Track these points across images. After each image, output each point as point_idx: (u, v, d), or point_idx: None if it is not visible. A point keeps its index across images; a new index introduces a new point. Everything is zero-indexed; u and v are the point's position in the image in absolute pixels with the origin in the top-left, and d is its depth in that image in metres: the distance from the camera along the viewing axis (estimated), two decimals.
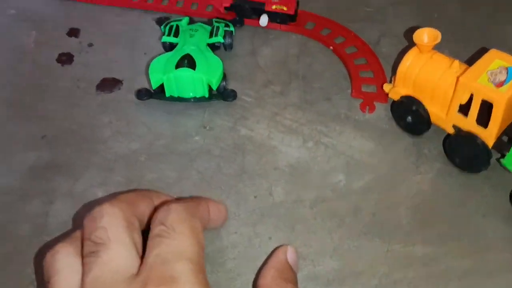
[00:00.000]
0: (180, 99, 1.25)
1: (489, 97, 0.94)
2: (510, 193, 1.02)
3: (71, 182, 1.12)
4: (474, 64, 0.99)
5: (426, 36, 1.08)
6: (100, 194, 1.10)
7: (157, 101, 1.27)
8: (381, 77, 1.30)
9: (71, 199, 1.09)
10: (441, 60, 1.08)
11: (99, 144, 1.19)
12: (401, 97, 1.15)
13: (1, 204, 1.08)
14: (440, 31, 1.08)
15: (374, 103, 1.25)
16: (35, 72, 1.36)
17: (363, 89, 1.28)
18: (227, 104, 1.27)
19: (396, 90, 1.17)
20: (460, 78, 0.97)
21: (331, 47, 1.39)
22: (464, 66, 1.05)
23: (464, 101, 0.99)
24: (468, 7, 1.50)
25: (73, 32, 1.48)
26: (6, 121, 1.24)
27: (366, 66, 1.33)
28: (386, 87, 1.21)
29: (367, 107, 1.24)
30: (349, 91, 1.29)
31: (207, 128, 1.23)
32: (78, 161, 1.16)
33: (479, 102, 0.96)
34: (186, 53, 1.25)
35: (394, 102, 1.20)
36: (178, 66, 1.22)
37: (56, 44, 1.44)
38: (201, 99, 1.24)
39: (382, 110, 1.24)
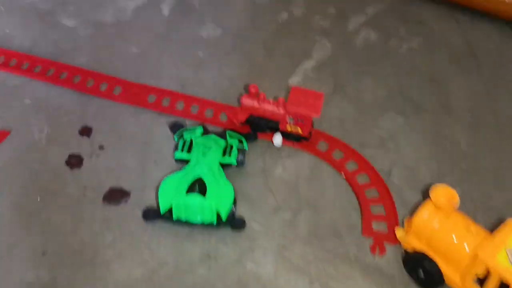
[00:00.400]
0: (187, 223, 1.23)
1: (508, 279, 0.92)
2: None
3: None
4: (493, 236, 0.98)
5: (443, 195, 1.07)
6: None
7: (163, 220, 1.25)
8: (393, 214, 1.28)
9: None
10: (459, 222, 1.07)
11: (101, 268, 1.16)
12: (415, 252, 1.13)
13: None
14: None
15: (385, 243, 1.23)
16: (44, 174, 1.35)
17: (374, 226, 1.27)
18: (233, 230, 1.25)
19: (409, 241, 1.15)
20: (480, 253, 0.96)
21: (343, 173, 1.38)
22: (482, 231, 1.04)
23: (481, 274, 0.98)
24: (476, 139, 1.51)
25: (86, 131, 1.47)
26: (8, 227, 1.21)
27: (377, 200, 1.32)
28: (398, 233, 1.19)
29: (377, 248, 1.22)
30: (360, 227, 1.27)
31: (212, 257, 1.20)
32: (77, 286, 1.12)
33: (497, 280, 0.94)
34: (198, 176, 1.24)
35: (406, 252, 1.18)
36: (189, 190, 1.21)
37: (67, 143, 1.43)
38: (209, 225, 1.22)
39: (392, 253, 1.22)
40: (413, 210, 1.28)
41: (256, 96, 1.42)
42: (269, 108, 1.41)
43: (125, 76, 1.64)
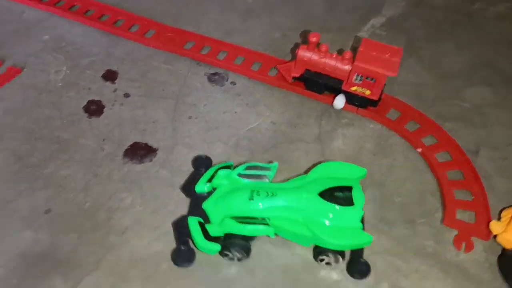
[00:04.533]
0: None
1: None
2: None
3: (70, 285, 0.86)
4: None
5: None
6: None
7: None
8: (483, 203, 1.01)
9: None
10: None
11: (114, 236, 0.93)
12: None
13: None
14: None
15: (472, 238, 0.96)
16: (55, 121, 1.12)
17: (458, 216, 1.00)
18: None
19: (508, 237, 0.88)
20: None
21: (420, 149, 1.11)
22: None
23: None
24: None
25: (110, 76, 1.24)
26: (8, 180, 0.99)
27: (462, 184, 1.05)
28: (494, 227, 0.92)
29: (463, 243, 0.95)
30: (439, 215, 1.00)
31: None
32: (84, 255, 0.90)
33: None
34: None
35: (504, 252, 0.91)
36: None
37: (87, 87, 1.21)
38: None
39: (481, 250, 0.95)
40: (510, 202, 1.01)
41: (316, 47, 1.15)
42: (332, 62, 1.15)
43: (161, 19, 1.40)
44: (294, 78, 1.22)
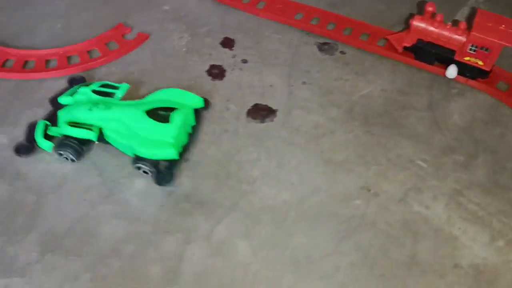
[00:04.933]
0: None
1: None
2: None
3: (212, 223, 0.97)
4: None
5: None
6: (241, 247, 0.94)
7: (314, 145, 1.09)
8: None
9: (209, 246, 0.94)
10: None
11: (246, 185, 1.03)
12: None
13: (136, 234, 0.94)
14: None
15: None
16: (183, 82, 1.23)
17: None
18: (396, 165, 1.06)
19: None
20: None
21: None
22: None
23: None
24: None
25: (227, 43, 1.33)
26: None
27: None
28: None
29: None
30: None
31: (372, 192, 1.02)
32: (221, 200, 1.00)
33: None
34: None
35: None
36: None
37: (208, 53, 1.31)
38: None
39: None
40: None
41: (431, 17, 1.19)
42: (447, 33, 1.18)
43: None
44: (405, 48, 1.26)
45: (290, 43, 1.34)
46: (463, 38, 1.17)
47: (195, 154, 1.07)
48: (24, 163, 1.04)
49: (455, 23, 1.20)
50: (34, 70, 1.22)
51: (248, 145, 1.10)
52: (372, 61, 1.29)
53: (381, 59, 1.29)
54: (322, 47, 1.33)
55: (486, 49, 1.14)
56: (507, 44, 1.11)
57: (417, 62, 1.26)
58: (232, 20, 1.40)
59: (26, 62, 1.25)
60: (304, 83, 1.24)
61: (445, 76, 1.22)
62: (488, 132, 1.13)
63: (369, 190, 1.02)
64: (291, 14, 1.40)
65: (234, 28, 1.37)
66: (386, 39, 1.30)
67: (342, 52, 1.32)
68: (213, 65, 1.28)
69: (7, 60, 1.25)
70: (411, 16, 1.25)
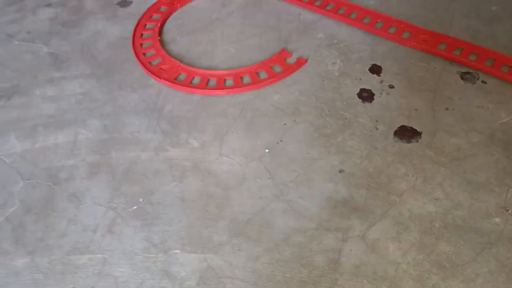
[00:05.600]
0: None
1: None
2: None
3: (366, 226, 1.15)
4: None
5: None
6: (392, 248, 1.11)
7: (457, 165, 1.23)
8: None
9: (364, 244, 1.12)
10: None
11: (395, 196, 1.20)
12: None
13: (303, 229, 1.16)
14: None
15: None
16: (337, 102, 1.43)
17: None
18: None
19: None
20: None
21: None
22: None
23: None
24: None
25: (375, 70, 1.51)
26: (310, 145, 1.32)
27: None
28: None
29: None
30: None
31: (510, 212, 1.14)
32: (374, 207, 1.19)
33: None
34: None
35: None
36: None
37: (358, 78, 1.50)
38: None
39: None
40: None
41: None
42: None
43: (412, 21, 1.63)
44: None
45: (434, 71, 1.48)
46: None
47: (349, 166, 1.27)
48: (212, 163, 1.31)
49: None
50: (216, 88, 1.50)
51: (395, 162, 1.27)
52: None
53: None
54: (464, 76, 1.46)
55: None
56: None
57: None
58: (380, 48, 1.58)
59: (208, 80, 1.53)
60: (447, 108, 1.38)
61: None
62: None
63: (507, 210, 1.14)
64: (435, 44, 1.54)
65: (382, 56, 1.55)
66: None
67: (484, 82, 1.43)
68: (363, 89, 1.46)
69: (193, 78, 1.54)
70: None
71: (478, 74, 1.45)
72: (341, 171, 1.27)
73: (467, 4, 1.68)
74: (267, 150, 1.31)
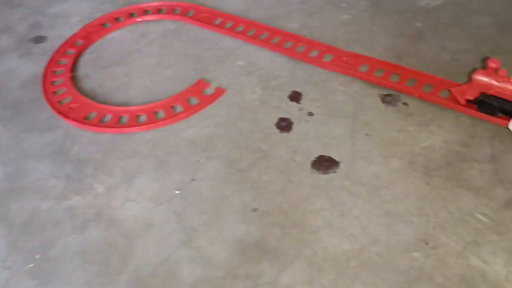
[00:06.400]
0: None
1: None
2: None
3: (277, 270, 1.06)
4: None
5: None
6: None
7: (375, 195, 1.16)
8: None
9: None
10: None
11: (309, 234, 1.12)
12: None
13: (210, 278, 1.06)
14: None
15: None
16: (254, 134, 1.35)
17: None
18: (456, 218, 1.10)
19: None
20: None
21: None
22: None
23: None
24: None
25: (295, 96, 1.45)
26: (223, 182, 1.24)
27: None
28: None
29: None
30: None
31: (430, 245, 1.07)
32: (286, 247, 1.10)
33: None
34: None
35: None
36: None
37: (277, 106, 1.42)
38: None
39: None
40: None
41: (494, 72, 1.23)
42: (511, 87, 1.21)
43: (335, 43, 1.58)
44: (468, 100, 1.30)
45: (354, 95, 1.42)
46: None
47: (263, 203, 1.18)
48: (117, 210, 1.21)
49: None
50: (127, 125, 1.41)
51: (311, 196, 1.19)
52: (434, 112, 1.34)
53: (444, 110, 1.34)
54: (385, 98, 1.40)
55: None
56: None
57: (479, 114, 1.29)
58: (301, 74, 1.52)
59: (120, 117, 1.44)
60: (367, 134, 1.31)
61: (508, 128, 1.24)
62: None
63: (427, 243, 1.07)
64: (356, 66, 1.49)
65: (302, 82, 1.49)
66: (449, 90, 1.34)
67: (405, 104, 1.38)
68: (282, 117, 1.39)
69: (104, 116, 1.44)
70: (474, 70, 1.29)
71: (399, 96, 1.40)
72: (254, 209, 1.18)
73: (391, 22, 1.64)
74: (177, 192, 1.22)
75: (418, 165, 1.22)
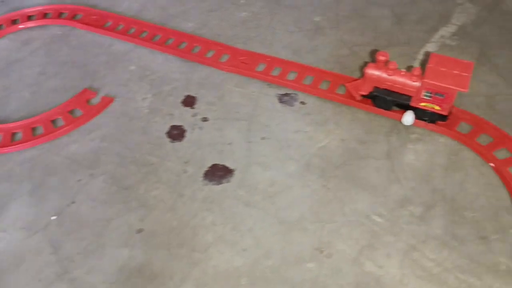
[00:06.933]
0: None
1: None
2: None
3: None
4: None
5: None
6: None
7: (270, 203, 1.09)
8: None
9: None
10: None
11: (199, 253, 1.03)
12: None
13: None
14: None
15: None
16: (144, 145, 1.25)
17: None
18: (352, 221, 1.05)
19: None
20: None
21: (492, 164, 1.11)
22: None
23: None
24: None
25: (189, 101, 1.35)
26: (106, 203, 1.12)
27: None
28: None
29: None
30: None
31: (325, 253, 1.01)
32: (174, 270, 1.01)
33: None
34: None
35: None
36: None
37: (170, 113, 1.32)
38: None
39: None
40: None
41: (385, 65, 1.18)
42: (401, 80, 1.17)
43: (233, 42, 1.50)
44: (363, 95, 1.25)
45: (251, 96, 1.35)
46: (417, 85, 1.15)
47: (149, 223, 1.08)
48: None
49: (409, 69, 1.18)
50: (1, 145, 1.26)
51: (203, 210, 1.10)
52: (332, 110, 1.29)
53: (341, 107, 1.29)
54: (282, 98, 1.33)
55: (441, 95, 1.12)
56: (460, 90, 1.09)
57: (376, 109, 1.24)
58: (196, 76, 1.42)
59: None
60: (263, 138, 1.24)
61: None
62: (447, 179, 1.11)
63: (322, 252, 1.01)
64: (253, 65, 1.41)
65: (197, 85, 1.39)
66: (345, 86, 1.30)
67: (303, 103, 1.32)
68: (174, 125, 1.29)
69: None
70: (365, 64, 1.24)
71: (297, 95, 1.33)
72: (139, 230, 1.07)
73: (290, 18, 1.57)
74: (53, 217, 1.09)
75: (314, 167, 1.16)
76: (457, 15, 1.49)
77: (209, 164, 1.19)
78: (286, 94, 1.34)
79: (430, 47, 1.41)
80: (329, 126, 1.25)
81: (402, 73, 1.17)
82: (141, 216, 1.10)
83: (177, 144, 1.24)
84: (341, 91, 1.31)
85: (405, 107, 1.20)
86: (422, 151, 1.16)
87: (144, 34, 1.55)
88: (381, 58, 1.17)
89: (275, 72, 1.39)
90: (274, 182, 1.14)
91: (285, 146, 1.21)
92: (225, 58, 1.45)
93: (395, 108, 1.23)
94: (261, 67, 1.41)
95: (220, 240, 1.05)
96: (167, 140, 1.26)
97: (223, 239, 1.05)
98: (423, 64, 1.14)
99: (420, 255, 0.99)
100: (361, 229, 1.04)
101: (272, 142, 1.23)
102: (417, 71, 1.15)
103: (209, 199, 1.12)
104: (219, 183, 1.15)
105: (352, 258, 0.99)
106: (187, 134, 1.26)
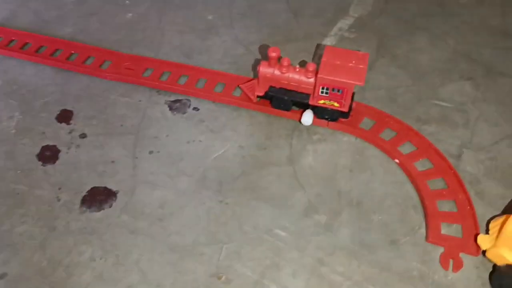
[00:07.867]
0: None
1: None
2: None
3: None
4: None
5: None
6: None
7: (160, 228, 0.94)
8: (469, 214, 0.94)
9: None
10: None
11: None
12: (508, 267, 0.78)
13: None
14: None
15: (460, 255, 0.88)
16: (8, 173, 1.05)
17: (444, 230, 0.92)
18: (252, 238, 0.93)
19: (498, 252, 0.81)
20: None
21: (397, 160, 1.03)
22: None
23: None
24: None
25: (65, 116, 1.17)
26: None
27: (446, 193, 0.98)
28: (482, 242, 0.84)
29: (451, 260, 0.88)
30: (423, 231, 0.93)
31: (223, 279, 0.88)
32: None
33: None
34: None
35: (495, 268, 0.83)
36: None
37: (41, 132, 1.13)
38: None
39: (472, 267, 0.88)
40: (500, 208, 0.94)
41: (277, 62, 1.08)
42: (296, 76, 1.08)
43: (117, 47, 1.33)
44: (259, 96, 1.14)
45: (138, 106, 1.19)
46: (313, 81, 1.06)
47: (15, 266, 0.90)
48: None
49: (303, 64, 1.08)
50: None
51: (80, 243, 0.93)
52: (228, 114, 1.17)
53: (239, 110, 1.17)
54: (173, 105, 1.19)
55: (338, 90, 1.03)
56: (357, 83, 1.01)
57: (275, 110, 1.14)
58: (73, 87, 1.24)
59: None
60: (151, 152, 1.09)
61: None
62: (353, 181, 1.02)
63: (219, 278, 0.88)
64: (139, 71, 1.26)
65: (74, 97, 1.22)
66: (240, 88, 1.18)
67: (196, 109, 1.18)
68: (46, 146, 1.10)
69: None
70: (257, 62, 1.13)
71: (189, 100, 1.19)
72: (3, 276, 0.89)
73: (180, 18, 1.43)
74: None
75: (210, 180, 1.03)
76: (354, 6, 1.43)
77: (88, 188, 1.02)
78: (177, 101, 1.20)
79: (329, 41, 1.33)
80: (225, 133, 1.12)
81: (296, 69, 1.07)
82: (5, 258, 0.91)
83: (49, 167, 1.06)
84: (237, 93, 1.19)
85: (305, 106, 1.10)
86: (325, 152, 1.07)
87: (12, 44, 1.35)
88: (273, 54, 1.06)
89: (164, 77, 1.24)
90: (164, 202, 1.00)
91: (177, 160, 1.07)
92: (107, 65, 1.28)
93: (295, 108, 1.13)
94: (148, 73, 1.26)
95: (99, 279, 0.88)
96: (38, 163, 1.07)
97: (103, 277, 0.89)
98: (320, 58, 1.06)
99: (328, 270, 0.88)
100: (264, 247, 0.92)
101: (162, 157, 1.08)
102: (311, 67, 1.05)
103: (87, 229, 0.95)
104: (99, 209, 0.99)
105: (253, 281, 0.87)
106: (62, 155, 1.09)
